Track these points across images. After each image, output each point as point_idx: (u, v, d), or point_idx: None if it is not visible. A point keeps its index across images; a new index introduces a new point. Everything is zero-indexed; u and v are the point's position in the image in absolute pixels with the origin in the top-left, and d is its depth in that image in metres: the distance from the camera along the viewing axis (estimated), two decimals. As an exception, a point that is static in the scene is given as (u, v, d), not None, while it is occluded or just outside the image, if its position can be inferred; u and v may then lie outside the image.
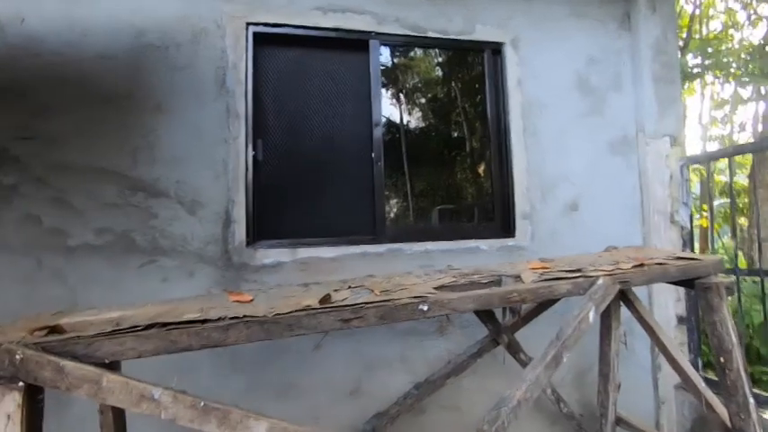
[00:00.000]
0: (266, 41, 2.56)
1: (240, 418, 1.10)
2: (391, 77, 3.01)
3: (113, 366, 1.46)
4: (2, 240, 2.14)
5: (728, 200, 6.96)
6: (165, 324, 1.20)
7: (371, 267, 2.56)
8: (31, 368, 1.04)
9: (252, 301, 1.55)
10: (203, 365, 2.29)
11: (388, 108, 2.96)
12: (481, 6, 2.86)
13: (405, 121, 3.04)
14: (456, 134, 3.12)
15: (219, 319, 1.22)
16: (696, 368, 2.77)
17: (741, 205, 9.70)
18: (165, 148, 2.35)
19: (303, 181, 2.62)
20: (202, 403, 1.09)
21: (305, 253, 2.49)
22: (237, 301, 1.54)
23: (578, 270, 1.77)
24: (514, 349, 2.25)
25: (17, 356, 1.03)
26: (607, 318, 2.24)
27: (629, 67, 3.09)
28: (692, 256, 2.00)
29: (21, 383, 1.02)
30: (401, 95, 3.06)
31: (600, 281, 1.66)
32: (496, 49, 2.91)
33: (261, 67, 2.57)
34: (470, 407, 2.63)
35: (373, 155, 2.66)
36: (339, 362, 2.50)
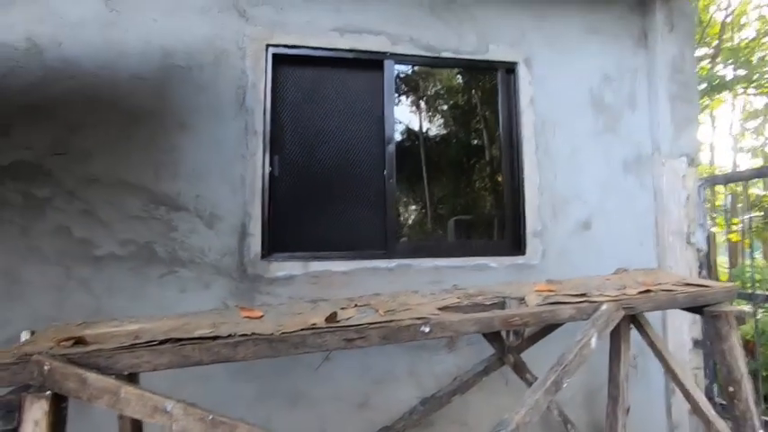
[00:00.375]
0: (285, 62, 2.67)
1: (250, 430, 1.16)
2: (411, 85, 3.07)
3: (132, 376, 1.56)
4: (35, 250, 2.29)
5: (761, 213, 6.72)
6: (178, 339, 1.28)
7: (382, 282, 2.62)
8: (57, 378, 1.13)
9: (262, 317, 1.63)
10: (217, 373, 2.38)
11: (408, 115, 3.03)
12: (494, 26, 2.90)
13: (424, 129, 3.10)
14: (476, 142, 3.15)
15: (229, 336, 1.30)
16: (711, 394, 2.71)
17: (775, 221, 9.34)
18: (186, 163, 2.47)
19: (317, 196, 2.70)
20: (211, 416, 1.16)
21: (317, 267, 2.56)
22: (248, 317, 1.62)
23: (583, 294, 1.78)
24: (520, 369, 2.26)
25: (45, 367, 1.13)
26: (617, 340, 2.23)
27: (645, 85, 3.07)
28: (701, 282, 1.98)
29: (48, 392, 1.12)
30: (421, 103, 3.13)
31: (604, 306, 1.67)
32: (510, 69, 2.95)
33: (279, 86, 2.67)
34: (478, 423, 2.65)
35: (386, 172, 2.73)
36: (348, 374, 2.55)
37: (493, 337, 2.25)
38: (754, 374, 3.52)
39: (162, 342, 1.26)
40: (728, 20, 11.29)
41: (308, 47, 2.66)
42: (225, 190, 2.51)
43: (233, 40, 2.57)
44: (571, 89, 2.98)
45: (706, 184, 2.87)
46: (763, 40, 10.80)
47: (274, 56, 2.62)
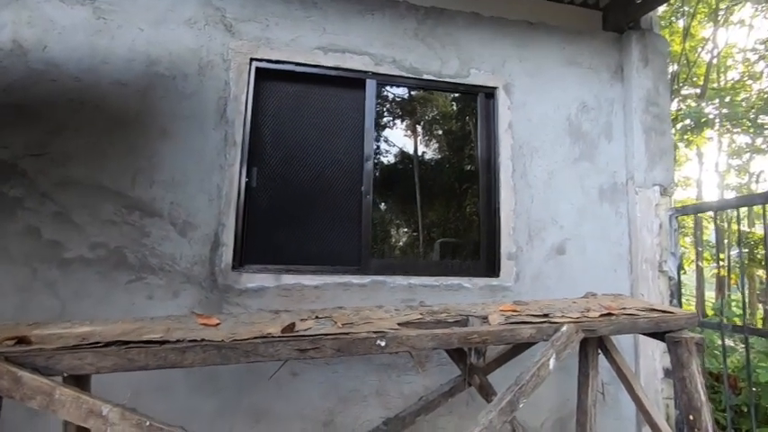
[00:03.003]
0: (268, 76, 2.72)
1: (182, 440, 1.13)
2: (406, 109, 3.12)
3: (82, 381, 1.52)
4: (2, 250, 2.26)
5: (746, 249, 6.81)
6: (125, 342, 1.26)
7: (354, 298, 2.60)
8: (-10, 377, 1.10)
9: (218, 325, 1.60)
10: (179, 385, 2.33)
11: (402, 139, 3.08)
12: (476, 52, 2.99)
13: (418, 152, 3.14)
14: (469, 167, 3.16)
15: (178, 341, 1.28)
16: (682, 426, 2.68)
17: (759, 256, 9.44)
18: (164, 170, 2.48)
19: (294, 209, 2.71)
20: (148, 423, 1.14)
21: (289, 280, 2.54)
22: (204, 324, 1.60)
23: (545, 315, 1.79)
24: (485, 391, 2.23)
25: (-19, 363, 1.10)
26: (584, 366, 2.23)
27: (621, 116, 3.16)
28: (666, 309, 1.99)
29: (-22, 390, 1.09)
30: (417, 127, 3.17)
31: (564, 328, 1.67)
32: (489, 93, 3.02)
33: (261, 99, 2.71)
34: (445, 447, 2.59)
35: (363, 188, 2.75)
36: (315, 392, 2.50)
37: (458, 357, 2.23)
38: (736, 410, 3.52)
39: (107, 344, 1.24)
40: (714, 61, 11.69)
41: (291, 62, 2.72)
42: (201, 199, 2.51)
43: (218, 52, 2.62)
44: (549, 116, 3.06)
45: (677, 214, 2.91)
46: (748, 82, 11.18)
47: (258, 69, 2.67)
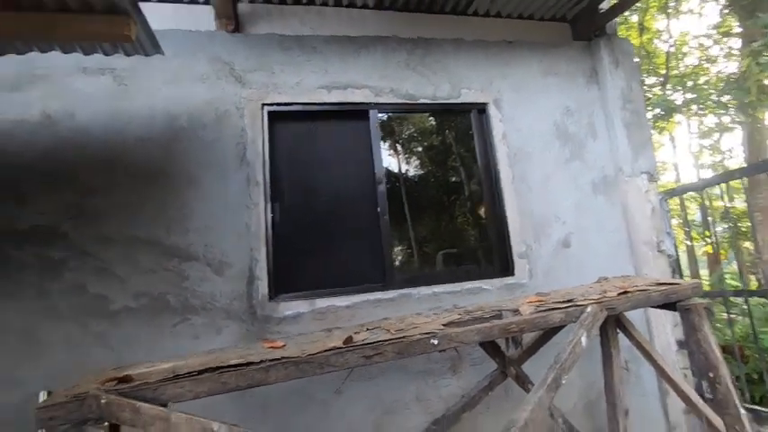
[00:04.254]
0: (279, 118, 2.94)
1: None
2: (387, 130, 3.33)
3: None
4: (52, 309, 2.39)
5: (730, 224, 7.17)
6: (215, 368, 1.42)
7: (384, 312, 2.77)
8: (114, 410, 1.25)
9: (284, 346, 1.77)
10: (230, 415, 2.44)
11: (387, 159, 3.26)
12: (464, 75, 3.27)
13: (403, 171, 3.33)
14: (453, 179, 3.38)
15: (261, 361, 1.45)
16: (702, 391, 2.88)
17: (744, 228, 9.85)
18: (195, 216, 2.65)
19: (316, 237, 2.90)
20: (253, 434, 1.29)
21: (322, 303, 2.71)
22: (272, 348, 1.76)
23: (570, 300, 1.99)
24: (522, 380, 2.41)
25: (102, 400, 1.26)
26: (606, 346, 2.42)
27: (602, 115, 3.46)
28: (671, 281, 2.22)
29: (105, 423, 1.24)
30: (398, 146, 3.38)
31: (588, 309, 1.88)
32: (481, 109, 3.29)
33: (275, 139, 2.93)
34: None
35: (379, 209, 2.96)
36: (360, 407, 2.64)
37: (494, 352, 2.41)
38: (747, 378, 3.70)
39: (200, 372, 1.40)
40: (672, 50, 12.39)
41: (299, 103, 2.95)
42: (232, 238, 2.68)
43: (232, 102, 2.84)
44: (538, 124, 3.33)
45: (666, 197, 3.18)
46: (705, 65, 11.86)
47: (270, 113, 2.90)
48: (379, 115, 3.19)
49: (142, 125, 2.71)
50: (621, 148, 3.28)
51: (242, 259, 2.67)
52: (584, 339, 1.77)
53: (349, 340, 1.67)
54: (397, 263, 3.08)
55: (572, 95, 3.46)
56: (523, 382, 2.40)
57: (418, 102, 3.16)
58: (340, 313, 2.73)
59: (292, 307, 2.68)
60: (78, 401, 1.26)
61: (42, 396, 2.23)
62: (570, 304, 1.92)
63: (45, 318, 2.38)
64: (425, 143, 3.51)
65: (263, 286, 2.66)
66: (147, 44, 2.19)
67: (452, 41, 3.31)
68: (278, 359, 1.48)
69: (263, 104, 2.89)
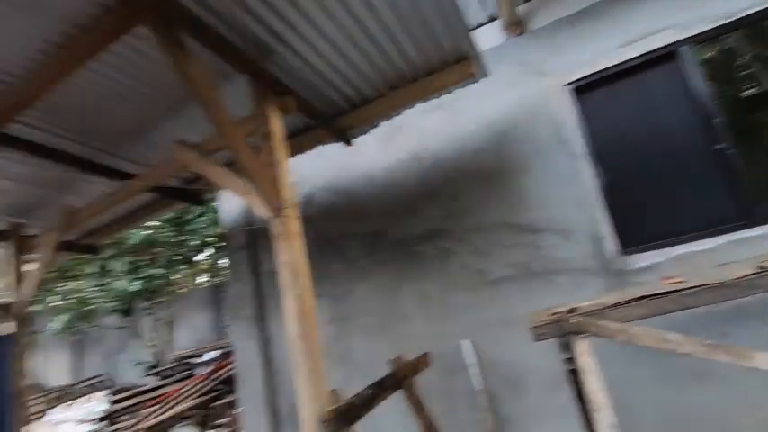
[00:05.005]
0: (583, 91, 3.18)
1: (743, 351, 1.52)
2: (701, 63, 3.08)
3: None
4: (452, 283, 3.34)
5: None
6: (650, 296, 1.78)
7: (750, 252, 2.57)
8: (584, 326, 1.77)
9: (683, 281, 1.99)
10: (616, 358, 2.78)
11: (705, 90, 3.01)
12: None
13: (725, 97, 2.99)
14: None
15: (692, 287, 1.72)
16: None
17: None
18: (533, 198, 3.18)
19: (650, 189, 2.96)
20: (708, 341, 1.57)
21: (678, 250, 2.76)
22: (671, 284, 2.00)
23: None
24: None
25: (572, 321, 1.79)
26: None
27: None
28: None
29: (584, 334, 1.76)
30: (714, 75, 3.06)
31: None
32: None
33: (585, 111, 3.16)
34: None
35: (721, 145, 2.78)
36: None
37: None
38: None
39: (639, 299, 1.79)
40: None
41: (598, 72, 3.11)
42: (569, 208, 3.07)
43: (537, 93, 3.27)
44: None
45: None
46: None
47: (574, 90, 3.17)
48: (687, 48, 3.00)
49: (473, 140, 3.44)
50: None
51: (583, 224, 3.02)
52: None
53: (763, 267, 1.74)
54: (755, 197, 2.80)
55: None
56: None
57: (731, 19, 2.81)
58: (700, 258, 2.71)
59: (645, 258, 2.84)
60: (556, 323, 1.85)
61: (464, 344, 3.15)
62: None
63: (449, 289, 3.35)
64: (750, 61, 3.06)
65: (609, 244, 2.93)
66: (479, 73, 2.83)
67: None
68: (703, 284, 1.71)
69: (564, 85, 3.19)
